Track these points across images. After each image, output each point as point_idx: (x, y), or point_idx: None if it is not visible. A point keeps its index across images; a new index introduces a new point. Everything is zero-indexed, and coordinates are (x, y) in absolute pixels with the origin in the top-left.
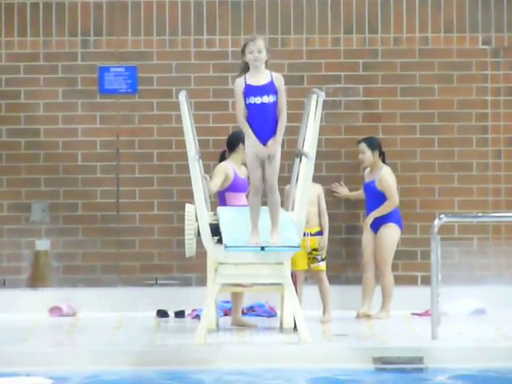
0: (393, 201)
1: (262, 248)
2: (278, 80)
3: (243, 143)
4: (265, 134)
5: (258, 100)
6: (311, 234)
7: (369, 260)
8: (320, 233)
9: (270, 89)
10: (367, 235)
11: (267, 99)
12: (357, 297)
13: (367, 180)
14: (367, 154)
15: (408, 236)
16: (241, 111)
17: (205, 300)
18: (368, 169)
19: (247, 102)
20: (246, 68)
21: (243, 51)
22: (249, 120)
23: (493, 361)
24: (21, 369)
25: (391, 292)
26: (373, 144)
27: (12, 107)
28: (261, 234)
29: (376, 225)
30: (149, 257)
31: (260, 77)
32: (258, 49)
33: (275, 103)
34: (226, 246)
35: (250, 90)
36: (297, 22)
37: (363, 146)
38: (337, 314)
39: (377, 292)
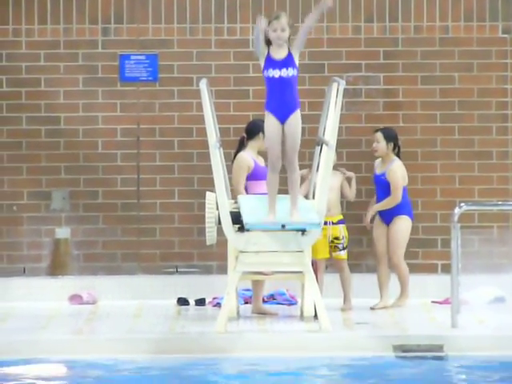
0: (396, 197)
1: (283, 226)
2: (293, 45)
3: (263, 132)
4: (284, 109)
5: (276, 73)
6: (333, 223)
7: (382, 253)
8: (341, 221)
9: (288, 62)
10: (378, 228)
11: (286, 72)
12: (377, 285)
13: (378, 172)
14: (381, 144)
15: (428, 224)
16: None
17: (225, 288)
18: (378, 160)
19: (265, 75)
20: (268, 42)
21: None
22: (267, 96)
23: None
24: (41, 356)
25: (407, 280)
26: (389, 135)
27: (32, 95)
28: (281, 217)
29: (387, 217)
30: (169, 245)
31: (281, 51)
32: (282, 27)
33: (294, 77)
34: (246, 224)
35: (269, 62)
36: None
37: (379, 135)
38: (357, 303)
39: (393, 280)
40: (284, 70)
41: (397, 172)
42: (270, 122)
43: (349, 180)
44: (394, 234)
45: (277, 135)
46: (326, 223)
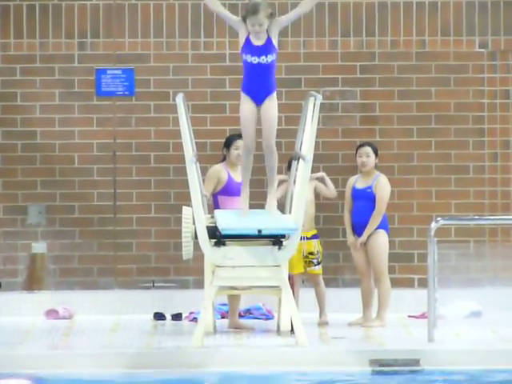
0: (383, 211)
1: (259, 231)
2: (273, 25)
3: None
4: (260, 93)
5: (254, 60)
6: (307, 238)
7: (363, 271)
8: (316, 236)
9: (267, 49)
10: (356, 249)
11: (264, 59)
12: (354, 300)
13: (361, 186)
14: (371, 158)
15: (405, 239)
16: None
17: (202, 303)
18: (357, 175)
19: (243, 58)
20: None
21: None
22: (244, 78)
23: (489, 363)
24: (17, 371)
25: (387, 301)
26: (376, 149)
27: (8, 109)
28: (256, 223)
29: (362, 229)
30: (146, 259)
31: (260, 38)
32: (259, 22)
33: (273, 62)
34: (221, 230)
35: (248, 47)
36: (294, 24)
37: (369, 149)
38: (334, 317)
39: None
40: (263, 57)
41: (386, 185)
42: (246, 105)
43: (321, 181)
44: (374, 249)
45: (251, 117)
46: (300, 238)
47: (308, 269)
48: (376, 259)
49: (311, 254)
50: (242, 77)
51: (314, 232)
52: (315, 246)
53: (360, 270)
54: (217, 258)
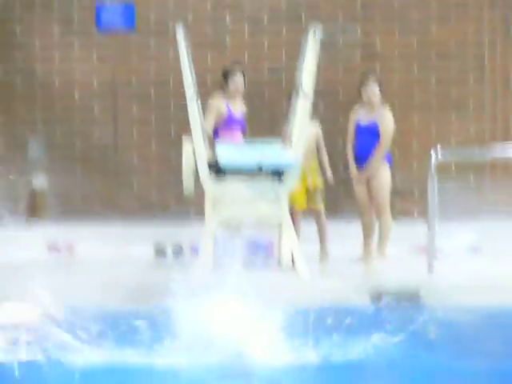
0: (388, 145)
1: (259, 166)
2: None
3: (233, 75)
4: None
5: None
6: (310, 173)
7: (365, 204)
8: (318, 172)
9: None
10: (359, 183)
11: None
12: (354, 234)
13: (366, 120)
14: (377, 91)
15: (405, 174)
16: None
17: (202, 237)
18: (361, 109)
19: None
20: None
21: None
22: None
23: (488, 297)
24: (17, 303)
25: (388, 234)
26: (380, 81)
27: (7, 46)
28: (257, 158)
29: (364, 162)
30: (147, 195)
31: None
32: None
33: None
34: (221, 165)
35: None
36: None
37: (374, 81)
38: (334, 251)
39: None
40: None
41: (391, 119)
42: None
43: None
44: (377, 183)
45: None
46: (303, 173)
47: (310, 204)
48: (379, 193)
49: (314, 188)
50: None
51: (317, 167)
52: (318, 180)
53: (362, 204)
54: (217, 193)
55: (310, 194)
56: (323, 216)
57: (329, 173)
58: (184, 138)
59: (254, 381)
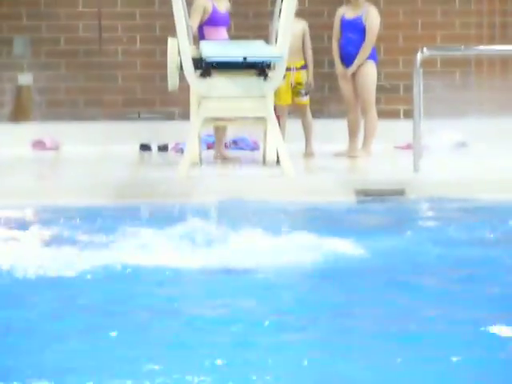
0: (373, 41)
1: (244, 58)
2: None
3: None
4: None
5: None
6: (296, 69)
7: (350, 101)
8: (304, 67)
9: None
10: (344, 79)
11: None
12: (339, 131)
13: (351, 16)
14: None
15: (390, 70)
16: None
17: (188, 134)
18: (346, 6)
19: None
20: None
21: None
22: None
23: (473, 192)
24: (5, 202)
25: (373, 132)
26: None
27: None
28: (241, 50)
29: (351, 60)
30: (131, 91)
31: None
32: None
33: None
34: (206, 58)
35: None
36: None
37: None
38: (319, 148)
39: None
40: None
41: (376, 16)
42: None
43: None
44: (363, 79)
45: None
46: (289, 69)
47: (296, 99)
48: (364, 90)
49: (299, 84)
50: None
51: (303, 63)
52: (304, 76)
53: (347, 101)
54: (202, 89)
55: (294, 89)
56: (308, 112)
57: (310, 76)
58: (169, 38)
59: (245, 278)
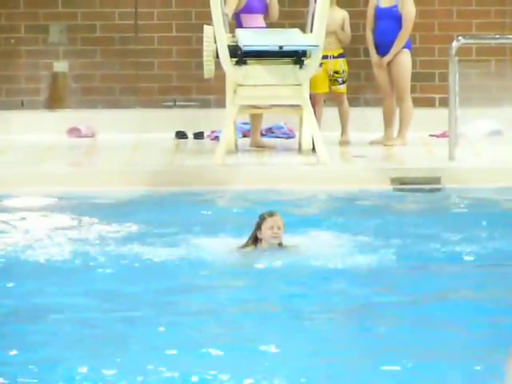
0: (409, 30)
1: (280, 47)
2: None
3: None
4: None
5: None
6: (333, 57)
7: (386, 90)
8: (342, 55)
9: None
10: (380, 68)
11: None
12: (375, 119)
13: (386, 5)
14: None
15: (426, 58)
16: None
17: (224, 121)
18: None
19: None
20: None
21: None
22: None
23: (507, 181)
24: (40, 188)
25: (409, 120)
26: None
27: None
28: (277, 41)
29: (386, 49)
30: (167, 79)
31: None
32: (278, 226)
33: None
34: (243, 47)
35: None
36: None
37: None
38: (355, 136)
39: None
40: None
41: (412, 4)
42: None
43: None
44: (398, 68)
45: None
46: (326, 57)
47: (333, 87)
48: (400, 78)
49: (336, 72)
50: None
51: (341, 51)
52: (341, 64)
53: (383, 89)
54: (238, 77)
55: (332, 77)
56: (345, 100)
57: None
58: (205, 25)
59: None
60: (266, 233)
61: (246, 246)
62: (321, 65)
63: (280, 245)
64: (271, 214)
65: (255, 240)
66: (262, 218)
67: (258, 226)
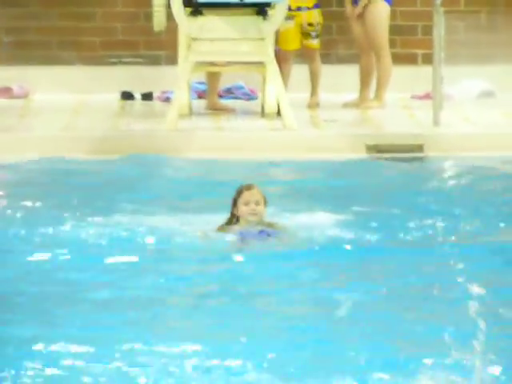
0: None
1: None
2: None
3: None
4: None
5: None
6: (308, 8)
7: (362, 45)
8: (317, 5)
9: None
10: (357, 21)
11: None
12: (349, 78)
13: None
14: None
15: (407, 8)
16: None
17: (176, 81)
18: None
19: None
20: None
21: None
22: None
23: (499, 148)
24: None
25: (387, 79)
26: None
27: None
28: None
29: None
30: (112, 32)
31: None
32: (255, 200)
33: None
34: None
35: None
36: None
37: None
38: (326, 98)
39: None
40: None
41: None
42: None
43: None
44: (373, 19)
45: None
46: (299, 9)
47: (304, 42)
48: (375, 32)
49: (310, 25)
50: None
51: (315, 1)
52: (316, 16)
53: (359, 44)
54: (193, 30)
55: (304, 31)
56: (318, 58)
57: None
58: None
59: None
60: (241, 209)
61: (222, 227)
62: (293, 17)
63: (261, 224)
64: (248, 188)
65: (233, 219)
66: (239, 192)
67: (234, 202)
